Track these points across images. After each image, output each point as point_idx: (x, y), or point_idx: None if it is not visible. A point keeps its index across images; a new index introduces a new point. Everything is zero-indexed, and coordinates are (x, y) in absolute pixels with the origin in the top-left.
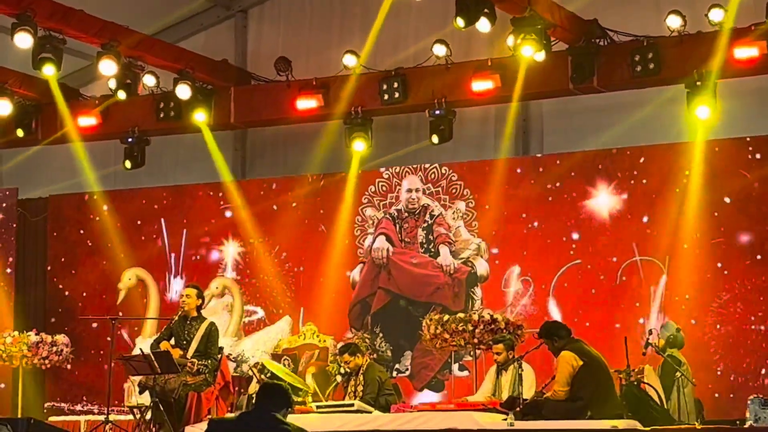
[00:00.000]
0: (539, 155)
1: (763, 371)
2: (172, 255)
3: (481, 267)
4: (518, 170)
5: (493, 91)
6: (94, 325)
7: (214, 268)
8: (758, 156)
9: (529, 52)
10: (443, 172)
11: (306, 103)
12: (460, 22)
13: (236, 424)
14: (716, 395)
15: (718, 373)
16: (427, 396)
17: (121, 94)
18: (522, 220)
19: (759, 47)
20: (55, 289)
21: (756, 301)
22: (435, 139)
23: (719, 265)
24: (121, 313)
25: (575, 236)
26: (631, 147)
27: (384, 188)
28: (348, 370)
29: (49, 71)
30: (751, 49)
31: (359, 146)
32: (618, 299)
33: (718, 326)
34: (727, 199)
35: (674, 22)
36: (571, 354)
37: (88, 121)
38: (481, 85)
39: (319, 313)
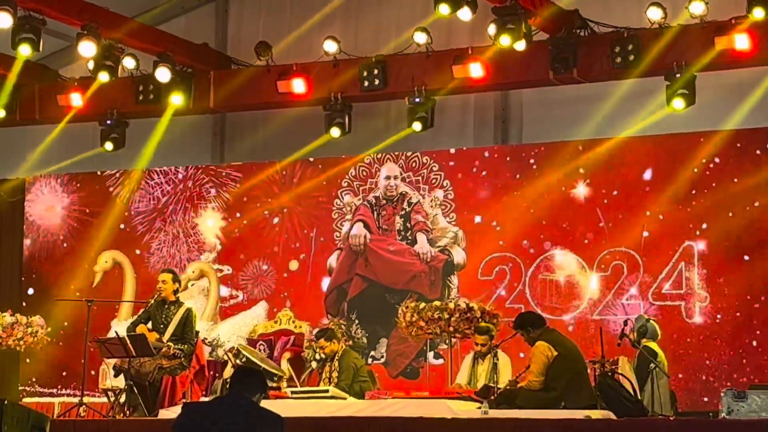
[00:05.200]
0: (518, 144)
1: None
2: (151, 237)
3: (458, 255)
4: (497, 159)
5: (476, 79)
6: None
7: (192, 252)
8: (731, 147)
9: (510, 41)
10: (422, 160)
11: (286, 89)
12: (444, 9)
13: (210, 408)
14: (690, 387)
15: (692, 364)
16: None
17: (104, 76)
18: (500, 209)
19: (748, 40)
20: (31, 270)
21: (729, 293)
22: (417, 126)
23: (694, 255)
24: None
25: (553, 226)
26: (609, 138)
27: (363, 175)
28: (323, 356)
29: (25, 51)
30: (742, 36)
31: (336, 132)
32: (594, 288)
33: (693, 318)
34: (702, 190)
35: (655, 14)
36: (546, 344)
37: (67, 102)
38: (462, 73)
39: (296, 299)
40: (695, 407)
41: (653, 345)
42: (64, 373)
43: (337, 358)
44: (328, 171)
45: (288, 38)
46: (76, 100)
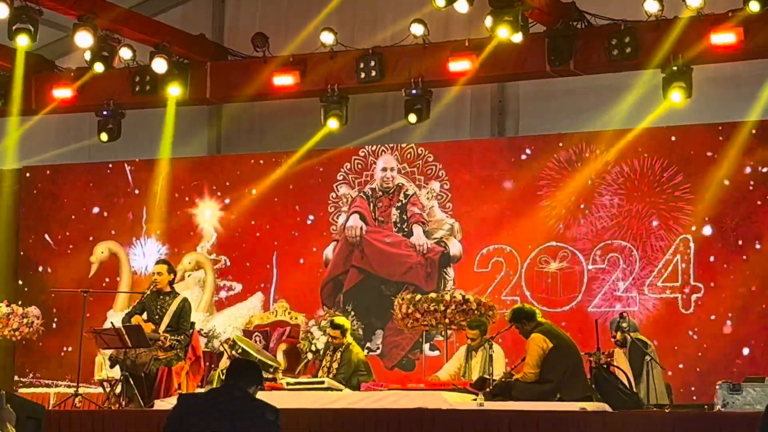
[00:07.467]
0: (515, 136)
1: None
2: (146, 228)
3: (454, 247)
4: (493, 151)
5: (469, 71)
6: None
7: (188, 243)
8: (729, 141)
9: (507, 33)
10: (419, 152)
11: (283, 80)
12: (439, 1)
13: (206, 399)
14: (686, 379)
15: (687, 356)
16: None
17: (99, 67)
18: (496, 201)
19: (736, 33)
20: (27, 260)
21: (725, 285)
22: (412, 118)
23: (690, 248)
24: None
25: (549, 218)
26: (606, 130)
27: (359, 167)
28: (331, 344)
29: (23, 42)
30: (728, 35)
31: (334, 124)
32: (591, 281)
33: (688, 310)
34: (698, 184)
35: (652, 6)
36: (541, 336)
37: (63, 93)
38: (458, 65)
39: (291, 290)
40: (691, 400)
41: (642, 336)
42: (60, 364)
43: (340, 350)
44: (325, 162)
45: (285, 29)
46: (72, 90)
